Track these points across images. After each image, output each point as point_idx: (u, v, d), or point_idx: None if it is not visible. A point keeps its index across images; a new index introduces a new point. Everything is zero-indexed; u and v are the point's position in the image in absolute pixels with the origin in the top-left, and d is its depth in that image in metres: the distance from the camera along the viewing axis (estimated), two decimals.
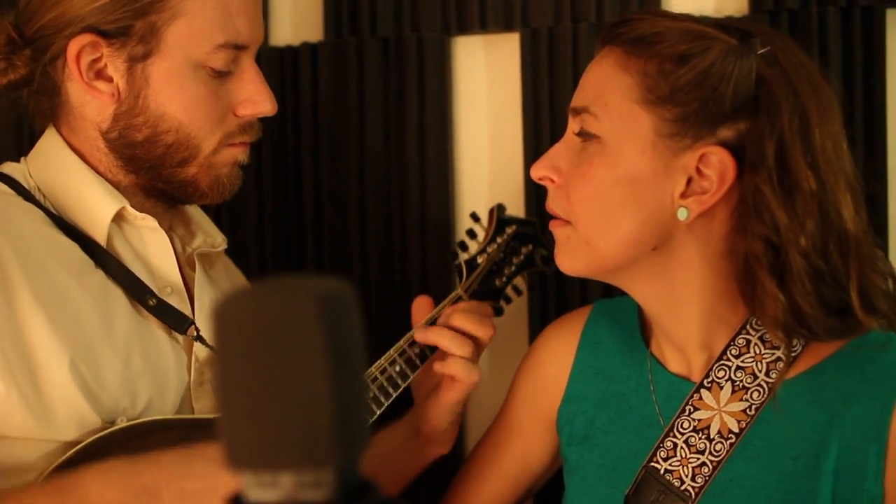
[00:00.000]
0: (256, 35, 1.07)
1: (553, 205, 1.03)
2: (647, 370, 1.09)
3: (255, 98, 1.07)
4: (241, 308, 0.47)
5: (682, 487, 1.00)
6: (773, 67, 0.95)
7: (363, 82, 1.45)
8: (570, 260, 1.02)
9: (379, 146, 1.46)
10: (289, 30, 1.53)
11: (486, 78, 1.46)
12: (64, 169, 1.06)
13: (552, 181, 1.02)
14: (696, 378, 1.04)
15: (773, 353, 1.00)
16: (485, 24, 1.40)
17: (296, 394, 0.46)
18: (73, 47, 1.00)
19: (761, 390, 1.00)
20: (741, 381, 1.01)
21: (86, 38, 0.99)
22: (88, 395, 0.95)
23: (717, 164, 0.94)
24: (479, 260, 1.23)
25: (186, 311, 1.09)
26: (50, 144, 1.08)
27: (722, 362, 1.02)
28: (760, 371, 1.01)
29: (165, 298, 1.07)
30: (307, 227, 1.50)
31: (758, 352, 1.01)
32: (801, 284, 0.93)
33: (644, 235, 0.97)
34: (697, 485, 0.99)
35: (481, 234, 1.26)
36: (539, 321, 1.40)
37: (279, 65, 1.49)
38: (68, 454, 0.92)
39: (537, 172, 1.03)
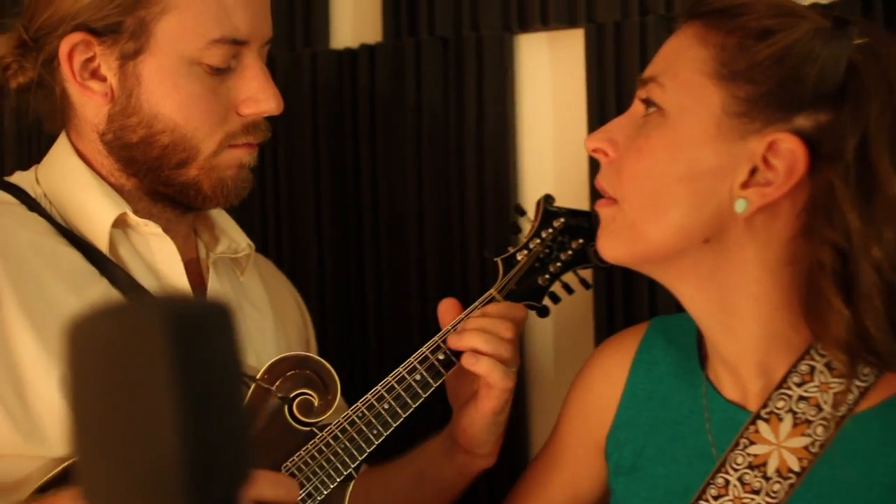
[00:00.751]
0: (260, 29, 1.01)
1: (602, 180, 0.93)
2: (702, 395, 0.97)
3: (257, 96, 1.01)
4: (88, 329, 0.41)
5: None
6: (869, 59, 0.84)
7: (421, 83, 1.39)
8: (612, 244, 0.92)
9: (438, 148, 1.39)
10: (349, 32, 1.48)
11: (549, 77, 1.37)
12: (69, 174, 1.04)
13: (606, 155, 0.92)
14: (753, 406, 0.92)
15: (841, 383, 0.87)
16: (547, 21, 1.32)
17: (142, 427, 0.40)
18: (64, 46, 0.97)
19: (826, 425, 0.87)
20: (804, 413, 0.89)
21: (77, 37, 0.97)
22: None
23: (787, 154, 0.83)
24: (519, 257, 1.12)
25: None
26: (58, 149, 1.06)
27: (782, 391, 0.90)
28: (826, 403, 0.88)
29: None
30: (365, 229, 1.44)
31: (823, 380, 0.88)
32: (870, 302, 0.81)
33: (695, 224, 0.87)
34: None
35: (528, 230, 1.16)
36: (605, 324, 1.30)
37: (338, 67, 1.45)
38: (53, 472, 0.89)
39: (592, 143, 0.93)
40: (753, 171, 0.85)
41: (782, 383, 0.90)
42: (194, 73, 0.99)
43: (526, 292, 1.13)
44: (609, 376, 1.07)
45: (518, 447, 1.35)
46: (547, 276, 1.13)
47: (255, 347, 1.12)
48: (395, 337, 1.42)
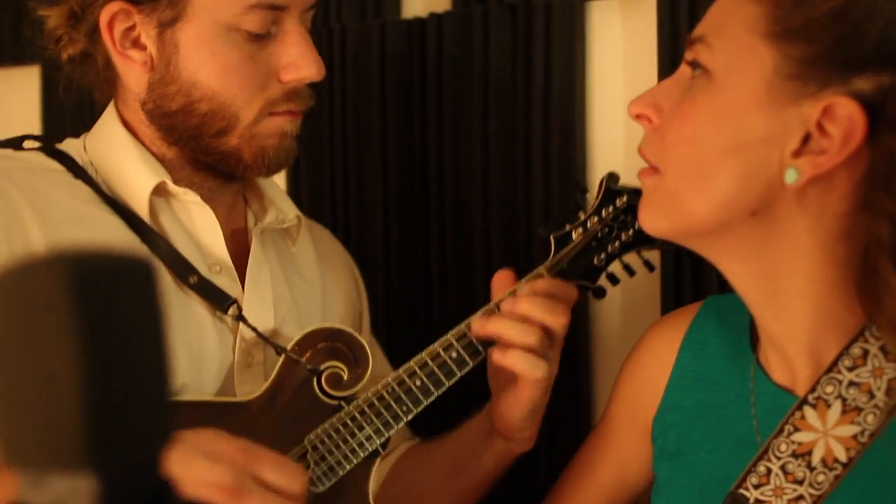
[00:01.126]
0: None
1: (645, 148, 0.88)
2: (750, 378, 0.92)
3: (298, 62, 1.00)
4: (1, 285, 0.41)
5: None
6: None
7: (489, 52, 1.36)
8: (654, 216, 0.87)
9: (504, 116, 1.36)
10: (419, 1, 1.47)
11: (620, 45, 1.32)
12: (113, 143, 1.05)
13: (650, 121, 0.87)
14: (802, 391, 0.86)
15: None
16: None
17: (50, 385, 0.39)
18: (104, 15, 0.98)
19: (878, 413, 0.81)
20: (854, 400, 0.82)
21: (116, 6, 0.98)
22: None
23: (844, 120, 0.76)
24: (575, 235, 1.08)
25: (235, 289, 1.05)
26: (105, 118, 1.08)
27: (832, 375, 0.84)
28: (879, 389, 0.81)
29: (214, 276, 1.03)
30: (431, 200, 1.43)
31: (877, 365, 0.82)
32: None
33: (742, 196, 0.81)
34: None
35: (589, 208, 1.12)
36: (673, 303, 1.24)
37: (407, 37, 1.43)
38: None
39: (635, 108, 0.88)
40: (806, 139, 0.78)
41: (832, 367, 0.84)
42: (232, 40, 0.98)
43: (579, 271, 1.08)
44: (658, 357, 1.02)
45: (582, 430, 1.31)
46: (604, 256, 1.08)
47: (301, 318, 1.12)
48: (458, 308, 1.40)
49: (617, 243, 1.08)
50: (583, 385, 1.35)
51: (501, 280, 1.07)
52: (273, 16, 0.99)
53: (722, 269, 0.88)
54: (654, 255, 1.16)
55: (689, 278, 1.24)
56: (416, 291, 1.45)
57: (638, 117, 0.88)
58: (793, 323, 0.85)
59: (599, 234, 1.08)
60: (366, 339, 1.21)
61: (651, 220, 0.88)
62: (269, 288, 1.09)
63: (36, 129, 1.74)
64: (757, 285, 0.86)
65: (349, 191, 1.49)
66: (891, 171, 0.76)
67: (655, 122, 0.86)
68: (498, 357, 1.01)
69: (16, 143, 1.06)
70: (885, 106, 0.76)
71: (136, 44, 1.01)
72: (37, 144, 1.07)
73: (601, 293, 1.10)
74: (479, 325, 1.02)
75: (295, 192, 1.53)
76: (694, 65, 0.84)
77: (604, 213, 1.08)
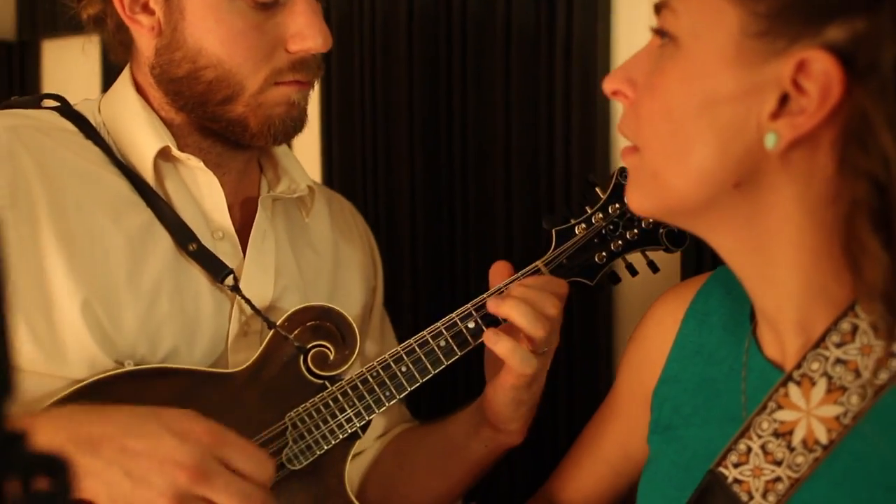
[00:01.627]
0: None
1: (623, 126, 0.83)
2: (744, 352, 0.87)
3: (304, 32, 0.99)
4: None
5: None
6: None
7: (510, 13, 1.33)
8: (637, 196, 0.82)
9: (528, 72, 1.33)
10: None
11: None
12: (124, 105, 1.06)
13: (626, 97, 0.82)
14: (790, 367, 0.81)
15: (885, 346, 0.75)
16: None
17: None
18: None
19: (863, 393, 0.75)
20: (840, 378, 0.77)
21: None
22: (100, 337, 0.94)
23: (820, 75, 0.70)
24: (578, 230, 1.05)
25: (237, 256, 1.05)
26: (120, 80, 1.09)
27: (819, 351, 0.78)
28: (867, 368, 0.75)
29: (217, 242, 1.04)
30: (455, 160, 1.42)
31: (865, 342, 0.76)
32: None
33: (723, 167, 0.75)
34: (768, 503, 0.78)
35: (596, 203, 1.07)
36: None
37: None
38: (64, 392, 0.93)
39: (610, 85, 0.83)
40: (784, 99, 0.72)
41: (820, 342, 0.78)
42: (237, 8, 0.98)
43: (577, 268, 1.05)
44: (663, 326, 0.98)
45: None
46: (605, 254, 1.05)
47: (306, 289, 1.12)
48: (482, 269, 1.40)
49: (620, 242, 1.05)
50: (603, 368, 1.32)
51: (498, 270, 1.06)
52: None
53: (713, 245, 0.83)
54: (661, 257, 1.11)
55: (709, 252, 1.18)
56: (440, 251, 1.44)
57: (614, 94, 0.83)
58: (783, 296, 0.79)
59: (603, 231, 1.05)
60: (377, 315, 1.21)
61: (635, 201, 0.83)
62: (271, 257, 1.09)
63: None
64: (747, 259, 0.81)
65: (378, 149, 1.49)
66: (863, 125, 0.69)
67: (631, 97, 0.81)
68: (492, 341, 0.99)
69: (35, 102, 1.08)
70: (857, 55, 0.69)
71: (146, 8, 1.01)
72: (54, 104, 1.09)
73: (599, 291, 1.08)
74: (494, 303, 1.01)
75: (328, 163, 1.54)
76: (661, 33, 0.78)
77: (610, 209, 1.05)
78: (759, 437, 0.80)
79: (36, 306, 0.94)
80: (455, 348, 1.02)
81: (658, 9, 0.79)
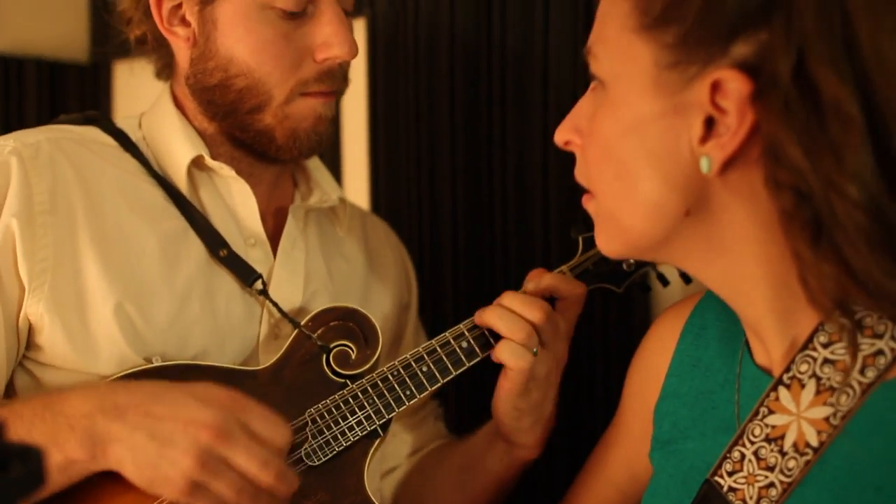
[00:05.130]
0: None
1: (578, 174, 0.83)
2: (738, 362, 0.84)
3: (330, 41, 1.02)
4: None
5: None
6: None
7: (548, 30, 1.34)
8: (604, 239, 0.82)
9: (565, 96, 1.33)
10: None
11: None
12: (162, 117, 1.10)
13: (577, 145, 0.82)
14: (778, 372, 0.78)
15: (871, 344, 0.72)
16: None
17: None
18: None
19: (852, 393, 0.72)
20: (829, 379, 0.74)
21: None
22: (132, 336, 0.97)
23: (734, 93, 0.69)
24: None
25: (268, 262, 1.08)
26: (161, 95, 1.13)
27: (806, 352, 0.76)
28: (854, 367, 0.73)
29: (249, 249, 1.06)
30: (495, 186, 1.43)
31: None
32: (846, 235, 0.66)
33: (669, 198, 0.74)
34: None
35: None
36: None
37: (475, 15, 1.43)
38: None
39: (559, 137, 0.83)
40: (711, 122, 0.71)
41: (807, 344, 0.76)
42: (266, 18, 1.01)
43: (603, 275, 1.07)
44: (662, 342, 0.96)
45: None
46: (632, 262, 1.06)
47: (337, 294, 1.14)
48: (520, 277, 1.41)
49: None
50: None
51: (532, 277, 1.08)
52: None
53: (687, 271, 0.82)
54: None
55: None
56: (481, 280, 1.45)
57: (566, 144, 0.83)
58: (760, 308, 0.78)
59: None
60: (410, 331, 1.22)
61: (603, 245, 0.82)
62: (301, 263, 1.12)
63: None
64: (719, 278, 0.79)
65: (421, 152, 1.51)
66: (774, 139, 0.67)
67: (579, 145, 0.81)
68: (494, 353, 1.02)
69: (80, 120, 1.14)
70: (762, 67, 0.67)
71: (183, 21, 1.06)
72: (95, 121, 1.14)
73: (627, 296, 1.08)
74: (479, 314, 1.04)
75: (374, 177, 1.57)
76: (592, 77, 0.79)
77: None
78: (752, 443, 0.78)
79: (72, 306, 0.97)
80: (477, 350, 1.03)
81: (586, 55, 0.79)
